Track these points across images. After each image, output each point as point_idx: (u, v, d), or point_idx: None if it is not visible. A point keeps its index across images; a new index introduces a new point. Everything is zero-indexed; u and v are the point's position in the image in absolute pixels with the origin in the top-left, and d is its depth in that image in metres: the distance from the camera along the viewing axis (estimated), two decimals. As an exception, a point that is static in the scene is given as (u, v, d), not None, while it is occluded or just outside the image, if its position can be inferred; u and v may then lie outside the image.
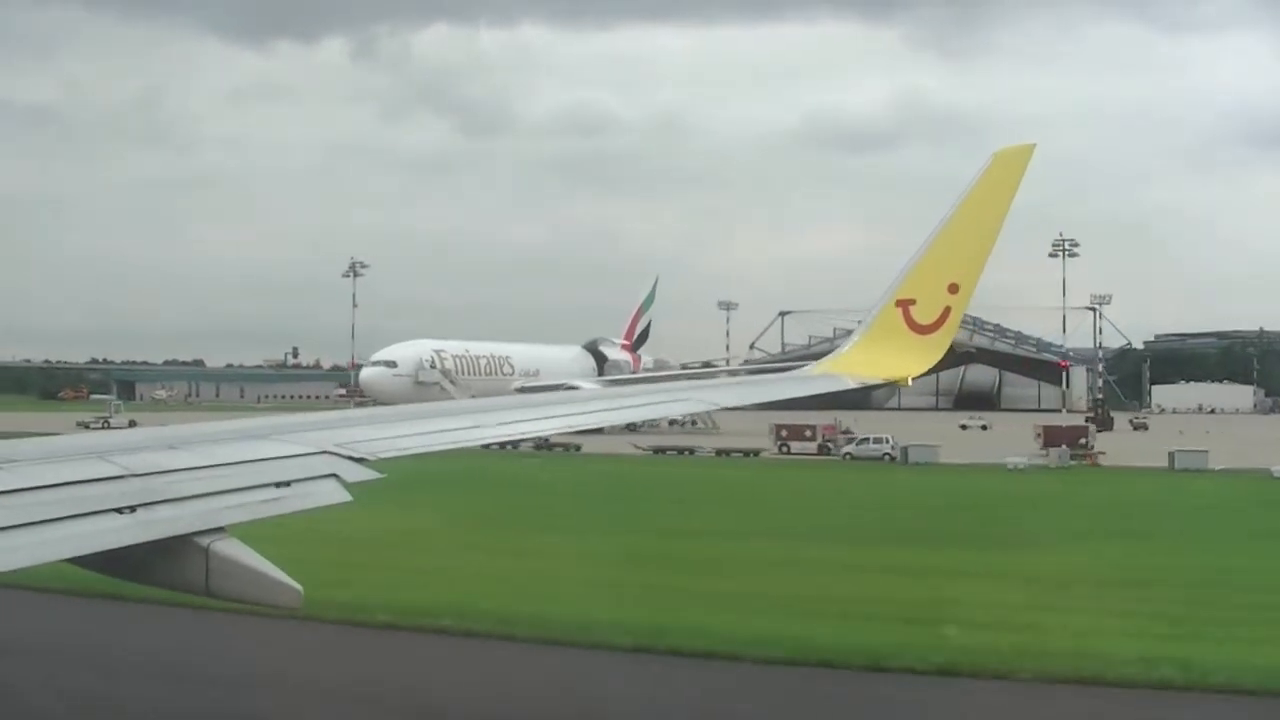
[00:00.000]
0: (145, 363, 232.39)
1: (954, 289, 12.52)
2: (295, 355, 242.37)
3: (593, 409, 10.97)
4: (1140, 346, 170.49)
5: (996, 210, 12.45)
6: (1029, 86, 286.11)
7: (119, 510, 6.29)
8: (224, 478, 7.21)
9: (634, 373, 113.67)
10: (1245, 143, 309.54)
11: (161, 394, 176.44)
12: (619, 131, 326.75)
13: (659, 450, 75.78)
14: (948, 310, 12.53)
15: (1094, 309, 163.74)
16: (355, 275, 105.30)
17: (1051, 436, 70.07)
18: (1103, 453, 66.64)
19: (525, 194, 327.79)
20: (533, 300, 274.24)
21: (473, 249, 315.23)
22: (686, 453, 76.28)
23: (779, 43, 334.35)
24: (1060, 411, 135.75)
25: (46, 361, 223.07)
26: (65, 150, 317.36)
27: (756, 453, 74.47)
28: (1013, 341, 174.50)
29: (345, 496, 7.49)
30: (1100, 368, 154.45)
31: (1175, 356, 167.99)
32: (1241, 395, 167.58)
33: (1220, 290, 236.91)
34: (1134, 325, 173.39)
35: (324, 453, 7.95)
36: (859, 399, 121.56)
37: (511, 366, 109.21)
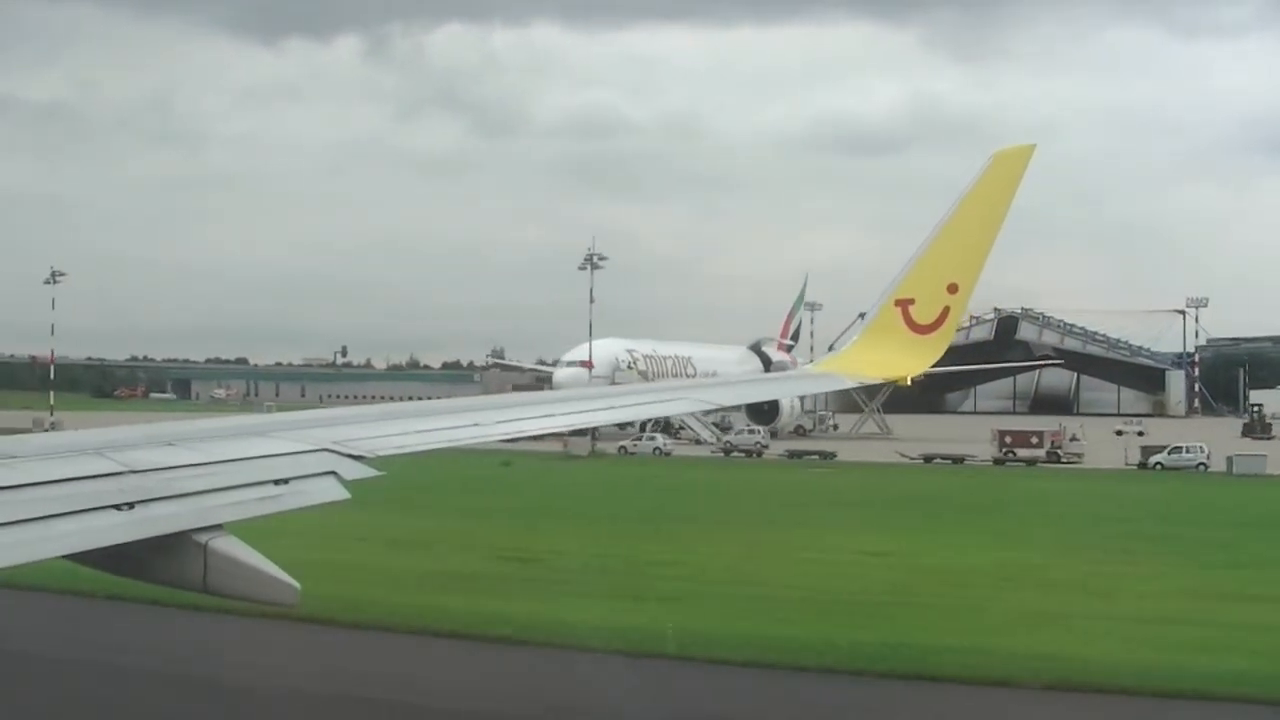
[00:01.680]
0: (188, 361, 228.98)
1: (953, 289, 12.53)
2: (344, 354, 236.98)
3: (591, 407, 10.94)
4: (1191, 350, 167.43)
5: (996, 210, 12.45)
6: (1044, 90, 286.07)
7: (117, 507, 6.28)
8: (222, 475, 7.19)
9: None
10: (1261, 148, 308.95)
11: (220, 393, 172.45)
12: (631, 133, 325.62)
13: (928, 458, 71.66)
14: (947, 310, 12.55)
15: (1183, 312, 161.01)
16: (593, 268, 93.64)
17: None
18: None
19: (535, 195, 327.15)
20: (544, 301, 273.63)
21: (482, 250, 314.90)
22: (957, 461, 71.15)
23: (793, 45, 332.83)
24: (1155, 417, 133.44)
25: (90, 359, 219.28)
26: (75, 148, 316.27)
27: (1031, 462, 69.90)
28: (1105, 345, 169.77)
29: (343, 494, 7.45)
30: (1196, 371, 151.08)
31: (1250, 360, 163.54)
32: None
33: (1241, 294, 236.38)
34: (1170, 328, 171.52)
35: (322, 450, 7.91)
36: (933, 403, 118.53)
37: (694, 368, 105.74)
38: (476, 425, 9.58)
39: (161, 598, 17.21)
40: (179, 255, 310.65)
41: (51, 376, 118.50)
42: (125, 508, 6.30)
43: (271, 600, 6.55)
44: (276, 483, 7.31)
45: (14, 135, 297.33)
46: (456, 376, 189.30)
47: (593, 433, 76.54)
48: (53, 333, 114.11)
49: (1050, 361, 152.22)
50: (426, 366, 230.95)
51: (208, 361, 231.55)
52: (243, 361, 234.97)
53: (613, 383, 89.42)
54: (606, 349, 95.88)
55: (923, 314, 12.57)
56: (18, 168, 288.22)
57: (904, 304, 12.62)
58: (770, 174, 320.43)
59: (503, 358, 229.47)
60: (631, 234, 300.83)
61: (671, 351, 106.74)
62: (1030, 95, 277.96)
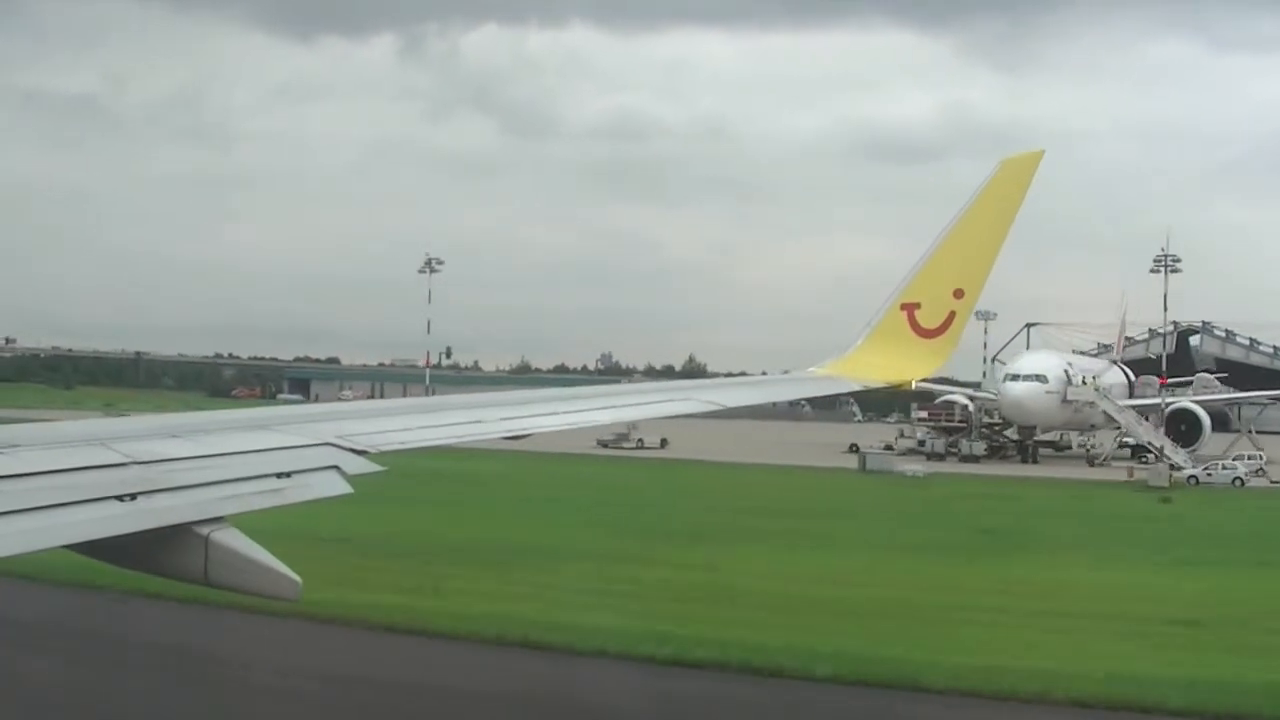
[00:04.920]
0: (274, 359, 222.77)
1: (959, 294, 12.62)
2: (449, 355, 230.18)
3: (595, 406, 11.09)
4: None
5: (1004, 216, 12.54)
6: (1082, 101, 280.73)
7: (119, 498, 6.35)
8: (224, 467, 7.25)
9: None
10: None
11: (348, 394, 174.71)
12: (664, 137, 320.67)
13: None
14: (952, 315, 12.64)
15: None
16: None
17: None
18: None
19: (565, 197, 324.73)
20: (564, 304, 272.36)
21: (510, 251, 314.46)
22: None
23: (829, 51, 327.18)
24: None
25: (181, 355, 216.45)
26: (104, 142, 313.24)
27: None
28: None
29: (346, 489, 7.52)
30: None
31: None
32: None
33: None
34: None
35: (325, 444, 7.97)
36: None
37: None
38: (479, 422, 9.65)
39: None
40: (205, 252, 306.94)
41: (427, 382, 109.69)
42: (127, 499, 6.35)
43: (273, 594, 6.59)
44: (279, 476, 7.36)
45: (44, 129, 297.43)
46: (598, 381, 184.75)
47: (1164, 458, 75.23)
48: (429, 330, 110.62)
49: None
50: (538, 369, 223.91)
51: (295, 360, 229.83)
52: (334, 361, 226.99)
53: (1065, 399, 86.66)
54: (1053, 362, 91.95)
55: (928, 318, 12.67)
56: (49, 161, 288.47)
57: (910, 308, 12.71)
58: (802, 180, 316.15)
59: (611, 361, 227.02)
60: (658, 238, 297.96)
61: (1084, 364, 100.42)
62: (1068, 105, 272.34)
